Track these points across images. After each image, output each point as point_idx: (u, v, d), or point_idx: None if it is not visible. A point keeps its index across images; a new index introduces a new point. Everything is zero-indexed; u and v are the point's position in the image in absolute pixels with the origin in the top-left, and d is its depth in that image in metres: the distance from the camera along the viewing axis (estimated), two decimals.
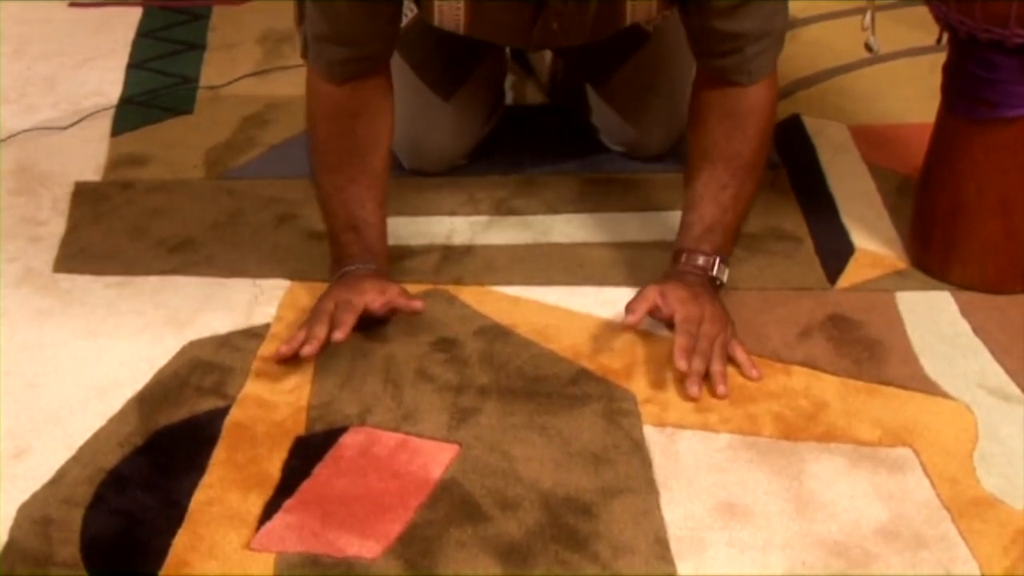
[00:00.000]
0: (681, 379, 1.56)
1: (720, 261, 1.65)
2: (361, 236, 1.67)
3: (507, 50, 2.11)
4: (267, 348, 1.65)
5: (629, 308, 1.58)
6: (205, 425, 1.53)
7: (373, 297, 1.61)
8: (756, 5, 1.59)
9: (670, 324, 1.60)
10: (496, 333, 1.67)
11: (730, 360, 1.59)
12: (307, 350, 1.56)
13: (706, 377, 1.55)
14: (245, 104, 2.26)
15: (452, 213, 1.93)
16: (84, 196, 2.00)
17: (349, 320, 1.57)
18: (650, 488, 1.43)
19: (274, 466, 1.46)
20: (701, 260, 1.64)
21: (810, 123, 2.13)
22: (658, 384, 1.57)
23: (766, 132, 1.68)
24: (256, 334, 1.68)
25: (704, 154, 1.67)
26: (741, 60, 1.62)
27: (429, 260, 1.82)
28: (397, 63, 1.93)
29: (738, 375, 1.58)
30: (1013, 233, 1.68)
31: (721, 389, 1.54)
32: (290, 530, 1.38)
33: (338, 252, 1.69)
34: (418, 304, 1.64)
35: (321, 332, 1.57)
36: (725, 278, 1.66)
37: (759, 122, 1.66)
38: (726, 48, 1.62)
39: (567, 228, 1.89)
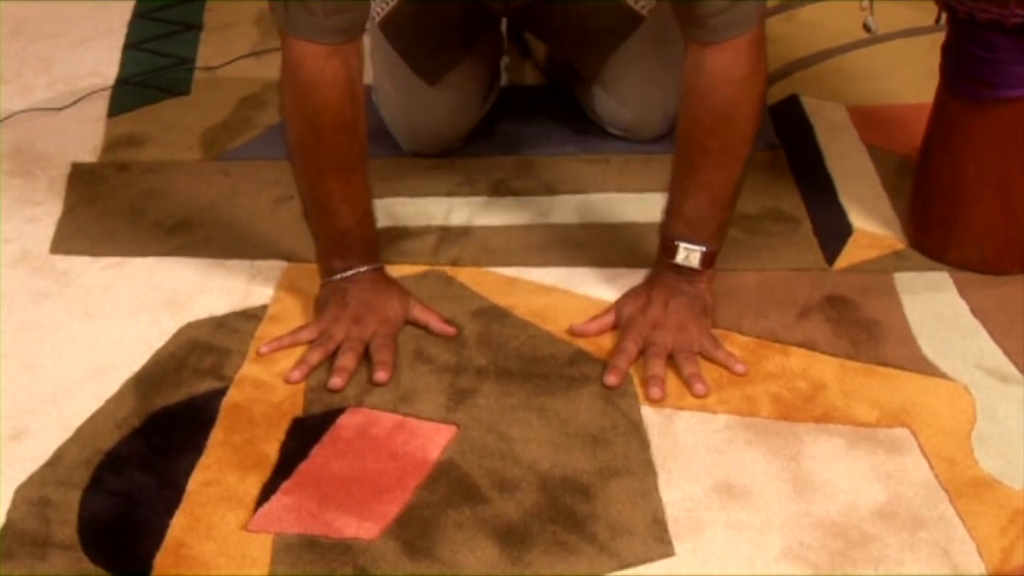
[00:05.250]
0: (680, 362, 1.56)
1: (681, 247, 1.58)
2: (364, 228, 1.61)
3: (503, 31, 2.10)
4: (265, 329, 1.64)
5: (577, 331, 1.63)
6: (203, 406, 1.53)
7: (399, 317, 1.62)
8: None
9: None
10: (494, 314, 1.67)
11: (711, 360, 1.57)
12: (336, 383, 1.54)
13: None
14: (242, 85, 2.25)
15: (450, 194, 1.93)
16: (80, 177, 2.00)
17: (390, 360, 1.56)
18: (648, 469, 1.43)
19: (272, 447, 1.47)
20: (664, 248, 1.61)
21: (808, 104, 2.13)
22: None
23: (730, 118, 1.52)
24: (254, 315, 1.67)
25: (677, 135, 1.57)
26: (702, 12, 1.47)
27: (427, 241, 1.82)
28: (387, 49, 1.93)
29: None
30: (1011, 213, 1.68)
31: (698, 388, 1.52)
32: (288, 511, 1.38)
33: (337, 249, 1.61)
34: (451, 330, 1.63)
35: (350, 363, 1.56)
36: (693, 263, 1.58)
37: (718, 104, 1.50)
38: None
39: (565, 209, 1.89)
